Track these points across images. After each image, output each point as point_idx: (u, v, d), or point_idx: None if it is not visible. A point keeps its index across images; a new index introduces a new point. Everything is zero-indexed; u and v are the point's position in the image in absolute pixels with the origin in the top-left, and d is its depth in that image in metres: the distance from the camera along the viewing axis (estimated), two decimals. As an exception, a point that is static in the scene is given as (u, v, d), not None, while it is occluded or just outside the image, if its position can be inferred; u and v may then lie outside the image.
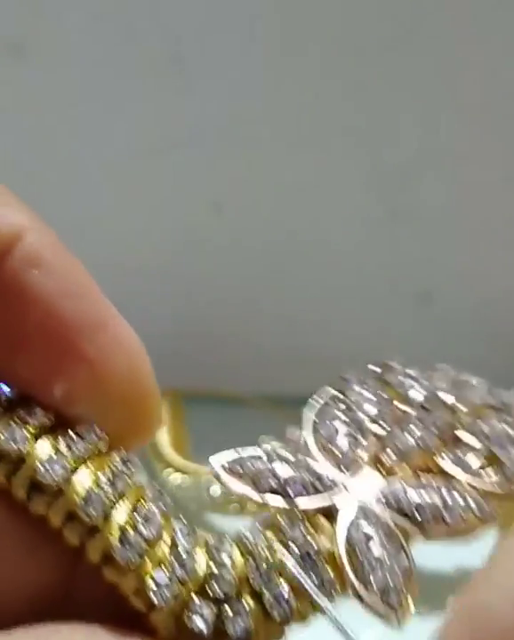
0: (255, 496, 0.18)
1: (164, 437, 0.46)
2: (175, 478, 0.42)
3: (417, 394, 0.21)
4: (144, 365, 0.18)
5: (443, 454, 0.19)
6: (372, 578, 0.17)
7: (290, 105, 0.52)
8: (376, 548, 0.17)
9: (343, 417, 0.20)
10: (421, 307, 0.55)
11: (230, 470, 0.18)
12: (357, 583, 0.17)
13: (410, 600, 0.17)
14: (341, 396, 0.20)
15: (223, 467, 0.18)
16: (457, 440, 0.20)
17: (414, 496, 0.18)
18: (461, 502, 0.18)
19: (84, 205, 0.54)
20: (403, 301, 0.55)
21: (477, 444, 0.19)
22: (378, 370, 0.22)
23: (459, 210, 0.53)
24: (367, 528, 0.18)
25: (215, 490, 0.33)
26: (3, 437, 0.17)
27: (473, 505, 0.18)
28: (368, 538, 0.17)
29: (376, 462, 0.19)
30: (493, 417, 0.20)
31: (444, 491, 0.18)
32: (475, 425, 0.20)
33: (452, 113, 0.52)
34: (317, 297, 0.55)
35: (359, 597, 0.17)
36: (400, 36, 0.50)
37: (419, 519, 0.18)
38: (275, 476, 0.18)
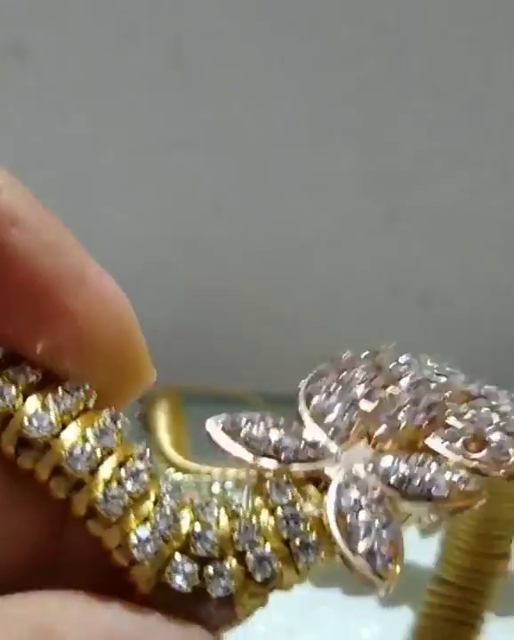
0: (247, 457, 0.18)
1: (164, 437, 0.46)
2: (175, 477, 0.42)
3: (407, 378, 0.21)
4: (128, 318, 0.18)
5: (431, 434, 0.20)
6: (359, 544, 0.17)
7: (290, 106, 0.52)
8: (364, 515, 0.18)
9: (335, 392, 0.20)
10: (421, 307, 0.55)
11: (224, 430, 0.19)
12: (344, 547, 0.17)
13: (397, 568, 0.17)
14: (334, 375, 0.21)
15: (217, 425, 0.19)
16: (445, 423, 0.20)
17: (403, 468, 0.18)
18: (449, 477, 0.18)
19: (84, 205, 0.54)
20: (402, 302, 0.55)
21: (465, 427, 0.20)
22: (369, 354, 0.22)
23: (458, 211, 0.53)
24: (357, 495, 0.18)
25: (216, 488, 0.33)
26: None
27: (459, 481, 0.18)
28: (357, 504, 0.18)
29: (366, 437, 0.19)
30: (482, 403, 0.21)
31: (433, 465, 0.19)
32: (463, 408, 0.20)
33: (451, 114, 0.52)
34: (317, 297, 0.55)
35: (347, 561, 0.17)
36: (400, 37, 0.50)
37: (407, 491, 0.18)
38: (268, 440, 0.19)
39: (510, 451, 0.19)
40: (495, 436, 0.20)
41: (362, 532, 0.17)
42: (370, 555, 0.17)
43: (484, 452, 0.19)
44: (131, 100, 0.51)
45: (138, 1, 0.49)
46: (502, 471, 0.19)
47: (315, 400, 0.20)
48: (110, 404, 0.18)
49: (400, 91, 0.51)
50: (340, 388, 0.20)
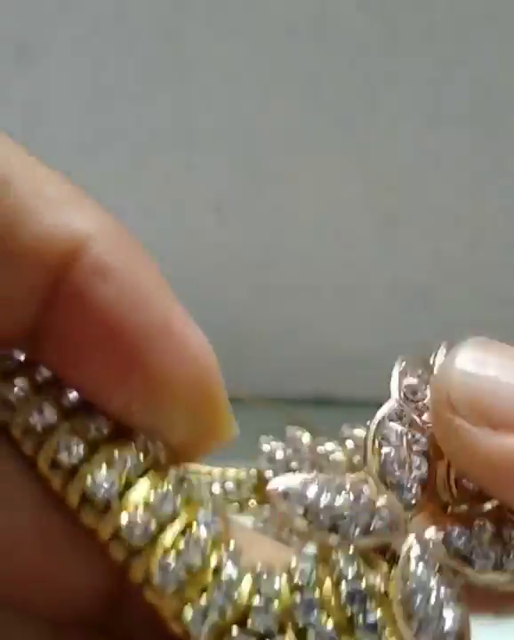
0: (314, 533, 0.17)
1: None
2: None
3: None
4: (211, 373, 0.17)
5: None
6: (424, 631, 0.16)
7: (290, 107, 0.52)
8: (433, 600, 0.16)
9: (411, 443, 0.18)
10: (420, 308, 0.55)
11: (287, 497, 0.17)
12: (408, 634, 0.16)
13: None
14: (408, 413, 0.19)
15: (283, 493, 0.17)
16: None
17: (475, 542, 0.17)
18: None
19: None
20: (402, 302, 0.55)
21: None
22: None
23: (457, 213, 0.53)
24: (425, 575, 0.17)
25: (215, 489, 0.33)
26: (58, 446, 0.17)
27: None
28: (425, 587, 0.17)
29: (440, 498, 0.18)
30: None
31: (507, 537, 0.17)
32: None
33: (450, 117, 0.52)
34: (317, 298, 0.55)
35: None
36: (400, 40, 0.50)
37: (479, 568, 0.17)
38: (333, 509, 0.17)
39: None
40: None
41: (429, 619, 0.16)
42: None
43: None
44: (131, 101, 0.51)
45: (140, 3, 0.49)
46: None
47: (386, 451, 0.18)
48: (185, 459, 0.18)
49: (400, 94, 0.51)
50: (415, 437, 0.18)
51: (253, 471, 0.30)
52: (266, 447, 0.30)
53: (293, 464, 0.30)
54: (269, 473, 0.30)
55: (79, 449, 0.17)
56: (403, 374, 0.19)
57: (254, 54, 0.50)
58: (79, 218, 0.17)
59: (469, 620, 0.17)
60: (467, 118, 0.52)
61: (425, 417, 0.18)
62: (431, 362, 0.20)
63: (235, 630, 0.16)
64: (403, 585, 0.17)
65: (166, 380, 0.17)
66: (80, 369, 0.17)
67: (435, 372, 0.19)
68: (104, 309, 0.16)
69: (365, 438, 0.18)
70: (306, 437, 0.30)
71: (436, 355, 0.20)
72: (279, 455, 0.30)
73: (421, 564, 0.17)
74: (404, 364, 0.19)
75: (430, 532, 0.17)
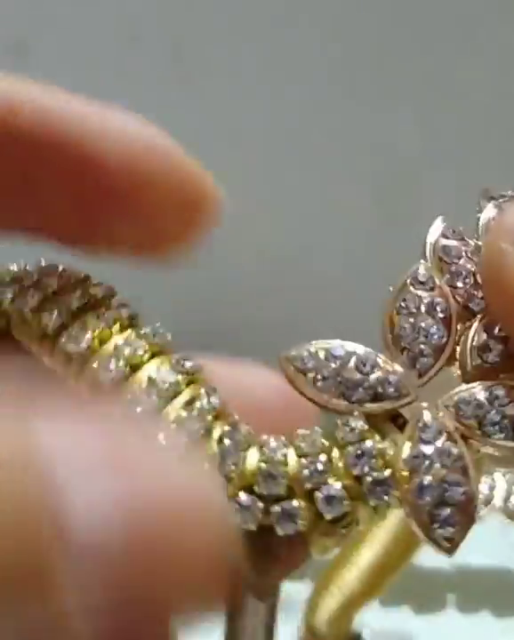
0: (319, 399, 0.17)
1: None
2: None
3: None
4: (170, 145, 0.18)
5: None
6: (428, 497, 0.16)
7: (290, 107, 0.52)
8: (439, 466, 0.16)
9: (429, 308, 0.17)
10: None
11: (296, 368, 0.17)
12: (412, 500, 0.16)
13: (464, 530, 0.16)
14: (432, 277, 0.18)
15: (293, 364, 0.17)
16: None
17: (489, 408, 0.16)
18: None
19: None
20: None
21: None
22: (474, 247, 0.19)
23: (458, 213, 0.53)
24: (432, 446, 0.16)
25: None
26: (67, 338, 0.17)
27: None
28: (433, 452, 0.16)
29: (460, 361, 0.17)
30: None
31: None
32: None
33: (451, 116, 0.52)
34: (317, 297, 0.55)
35: (415, 516, 0.16)
36: (400, 38, 0.50)
37: (492, 433, 0.16)
38: (341, 376, 0.17)
39: None
40: None
41: (433, 487, 0.16)
42: (442, 517, 0.16)
43: None
44: (131, 100, 0.51)
45: (139, 1, 0.49)
46: None
47: (402, 318, 0.18)
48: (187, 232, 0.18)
49: (400, 93, 0.51)
50: (434, 301, 0.18)
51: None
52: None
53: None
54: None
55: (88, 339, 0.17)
56: (442, 235, 0.19)
57: (255, 54, 0.50)
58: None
59: (476, 497, 0.16)
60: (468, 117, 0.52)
61: (458, 282, 0.18)
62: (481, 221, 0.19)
63: (242, 495, 0.16)
64: (410, 450, 0.17)
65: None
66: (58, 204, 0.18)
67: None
68: (48, 125, 0.18)
69: (385, 304, 0.18)
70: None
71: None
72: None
73: (429, 430, 0.17)
74: (443, 224, 0.19)
75: (442, 399, 0.17)
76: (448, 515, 0.16)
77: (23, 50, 0.49)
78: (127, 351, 0.17)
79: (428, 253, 0.18)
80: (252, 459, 0.17)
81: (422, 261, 0.18)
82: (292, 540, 0.17)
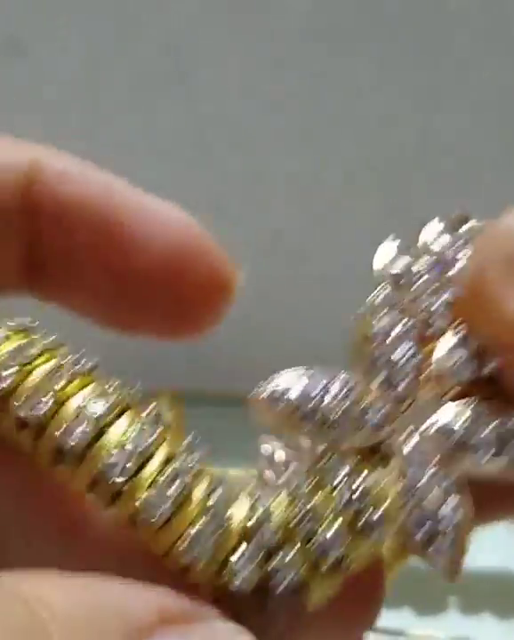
0: (302, 442, 0.17)
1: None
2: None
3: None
4: (194, 227, 0.19)
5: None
6: (423, 527, 0.16)
7: (290, 106, 0.52)
8: (431, 496, 0.16)
9: (400, 325, 0.17)
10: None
11: (271, 409, 0.17)
12: (413, 537, 0.16)
13: (463, 551, 0.16)
14: (396, 298, 0.18)
15: (263, 399, 0.17)
16: None
17: (473, 429, 0.16)
18: None
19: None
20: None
21: None
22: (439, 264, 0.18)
23: (458, 209, 0.53)
24: (421, 471, 0.16)
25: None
26: (25, 402, 0.16)
27: None
28: (421, 483, 0.16)
29: (433, 388, 0.17)
30: None
31: (504, 422, 0.16)
32: None
33: (452, 112, 0.52)
34: (317, 297, 0.55)
35: (411, 548, 0.16)
36: (401, 36, 0.50)
37: (477, 453, 0.16)
38: (318, 411, 0.16)
39: None
40: None
41: (427, 516, 0.16)
42: (433, 541, 0.16)
43: None
44: (131, 100, 0.51)
45: (139, 1, 0.49)
46: None
47: (375, 342, 0.17)
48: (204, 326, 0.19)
49: (401, 91, 0.51)
50: (404, 319, 0.17)
51: (254, 471, 0.30)
52: (266, 448, 0.30)
53: (294, 464, 0.30)
54: (268, 473, 0.30)
55: (47, 401, 0.16)
56: (395, 256, 0.18)
57: (255, 53, 0.50)
58: (21, 150, 0.19)
59: (471, 509, 0.16)
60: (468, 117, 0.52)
61: (418, 298, 0.17)
62: (425, 238, 0.18)
63: (234, 557, 0.16)
64: (400, 481, 0.16)
65: (155, 250, 0.18)
66: (80, 277, 0.19)
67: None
68: (78, 204, 0.19)
69: (351, 331, 0.17)
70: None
71: (428, 229, 0.19)
72: (279, 455, 0.30)
73: (416, 458, 0.16)
74: (393, 243, 0.19)
75: (423, 427, 0.16)
76: (445, 544, 0.16)
77: (22, 50, 0.49)
78: (91, 412, 0.16)
79: (385, 277, 0.18)
80: (241, 513, 0.16)
81: (382, 286, 0.18)
82: (287, 599, 0.16)
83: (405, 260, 0.18)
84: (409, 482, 0.16)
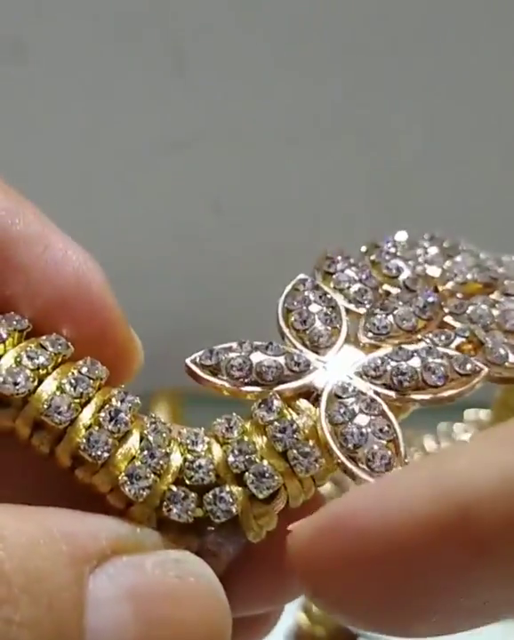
0: (230, 387, 0.18)
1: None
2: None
3: (404, 274, 0.20)
4: (98, 283, 0.19)
5: (425, 335, 0.19)
6: (358, 451, 0.17)
7: (290, 106, 0.52)
8: (359, 420, 0.17)
9: (317, 299, 0.19)
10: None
11: (203, 366, 0.18)
12: (343, 456, 0.17)
13: (398, 467, 0.17)
14: (315, 281, 0.20)
15: (196, 363, 0.18)
16: (442, 323, 0.19)
17: (393, 363, 0.18)
18: (443, 361, 0.18)
19: (84, 205, 0.54)
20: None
21: (461, 328, 0.19)
22: (366, 249, 0.21)
23: (459, 210, 0.53)
24: (348, 403, 0.17)
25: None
26: None
27: (456, 363, 0.18)
28: (350, 411, 0.17)
29: (355, 342, 0.19)
30: (480, 296, 0.20)
31: (424, 354, 0.18)
32: (460, 307, 0.19)
33: (452, 114, 0.52)
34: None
35: (347, 470, 0.17)
36: (401, 37, 0.50)
37: (400, 385, 0.18)
38: (249, 364, 0.18)
39: (504, 353, 0.18)
40: (491, 337, 0.19)
41: (357, 439, 0.17)
42: (370, 460, 0.17)
43: (478, 355, 0.18)
44: (131, 100, 0.51)
45: (139, 1, 0.49)
46: (495, 374, 0.18)
47: (294, 312, 0.19)
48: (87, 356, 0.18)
49: (401, 91, 0.51)
50: (319, 291, 0.20)
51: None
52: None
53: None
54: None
55: None
56: (326, 257, 0.21)
57: (255, 53, 0.50)
58: None
59: (401, 439, 0.17)
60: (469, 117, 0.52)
61: (344, 286, 0.20)
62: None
63: (173, 488, 0.17)
64: (327, 418, 0.17)
65: (44, 282, 0.18)
66: None
67: None
68: None
69: (278, 305, 0.20)
70: None
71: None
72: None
73: (341, 397, 0.17)
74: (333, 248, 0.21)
75: (348, 369, 0.18)
76: (375, 451, 0.17)
77: (22, 50, 0.49)
78: (30, 364, 0.17)
79: (314, 271, 0.21)
80: (177, 453, 0.17)
81: (302, 274, 0.20)
82: (228, 534, 0.17)
83: (338, 258, 0.21)
84: (337, 410, 0.17)
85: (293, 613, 0.42)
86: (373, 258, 0.21)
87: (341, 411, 0.17)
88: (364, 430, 0.17)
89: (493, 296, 0.20)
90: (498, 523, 0.13)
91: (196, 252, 0.55)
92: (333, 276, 0.20)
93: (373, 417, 0.17)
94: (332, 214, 0.54)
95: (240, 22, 0.49)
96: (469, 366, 0.18)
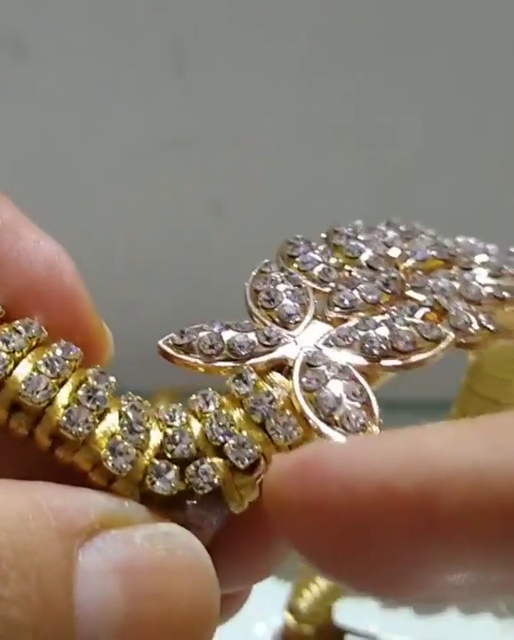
0: (204, 364, 0.18)
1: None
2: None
3: (365, 255, 0.21)
4: (69, 273, 0.19)
5: (389, 308, 0.19)
6: (333, 414, 0.17)
7: (290, 105, 0.52)
8: (332, 386, 0.17)
9: (284, 279, 0.20)
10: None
11: (176, 345, 0.18)
12: (318, 420, 0.17)
13: (373, 427, 0.17)
14: (281, 263, 0.21)
15: (168, 343, 0.18)
16: (404, 297, 0.20)
17: (361, 332, 0.18)
18: (410, 329, 0.18)
19: (84, 205, 0.54)
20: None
21: (425, 299, 0.19)
22: (326, 235, 0.22)
23: (458, 210, 0.53)
24: (320, 370, 0.18)
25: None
26: None
27: (422, 329, 0.18)
28: (323, 377, 0.17)
29: (323, 318, 0.19)
30: (441, 271, 0.21)
31: (391, 323, 0.19)
32: (422, 280, 0.20)
33: (452, 114, 0.52)
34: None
35: (322, 434, 0.17)
36: (401, 37, 0.50)
37: (370, 353, 0.18)
38: (220, 341, 0.18)
39: (468, 319, 0.19)
40: (454, 306, 0.19)
41: (332, 403, 0.17)
42: (345, 422, 0.17)
43: (443, 323, 0.19)
44: (131, 99, 0.51)
45: (139, 0, 0.49)
46: (461, 339, 0.19)
47: (262, 292, 0.20)
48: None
49: (401, 91, 0.51)
50: (285, 272, 0.20)
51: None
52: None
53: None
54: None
55: None
56: (287, 242, 0.22)
57: (255, 53, 0.50)
58: None
59: (374, 401, 0.17)
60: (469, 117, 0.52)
61: (308, 268, 0.21)
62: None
63: (155, 461, 0.17)
64: (300, 385, 0.18)
65: (18, 272, 0.19)
66: None
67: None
68: None
69: (246, 288, 0.20)
70: None
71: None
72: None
73: (312, 365, 0.18)
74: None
75: (317, 340, 0.19)
76: (349, 412, 0.17)
77: (21, 50, 0.49)
78: (5, 347, 0.18)
79: (276, 256, 0.21)
80: (156, 429, 0.17)
81: (266, 259, 0.21)
82: (211, 505, 0.17)
83: (300, 243, 0.22)
84: (309, 384, 0.18)
85: (279, 614, 0.42)
86: (333, 241, 0.21)
87: (314, 378, 0.18)
88: (337, 394, 0.17)
89: (453, 271, 0.21)
90: (454, 508, 0.13)
91: (196, 252, 0.55)
92: (297, 259, 0.21)
93: (345, 382, 0.18)
94: (332, 214, 0.54)
95: (240, 22, 0.49)
96: (435, 332, 0.18)
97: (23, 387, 0.17)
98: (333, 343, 0.18)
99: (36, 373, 0.17)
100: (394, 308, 0.19)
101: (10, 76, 0.50)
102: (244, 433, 0.17)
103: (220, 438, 0.17)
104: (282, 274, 0.20)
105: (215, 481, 0.17)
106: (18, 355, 0.17)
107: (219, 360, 0.18)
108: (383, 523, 0.14)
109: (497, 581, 0.14)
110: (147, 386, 0.49)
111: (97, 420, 0.17)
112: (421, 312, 0.19)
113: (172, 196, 0.54)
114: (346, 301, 0.19)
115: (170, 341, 0.19)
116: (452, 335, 0.18)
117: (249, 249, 0.56)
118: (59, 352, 0.18)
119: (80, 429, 0.17)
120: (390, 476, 0.13)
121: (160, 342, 0.19)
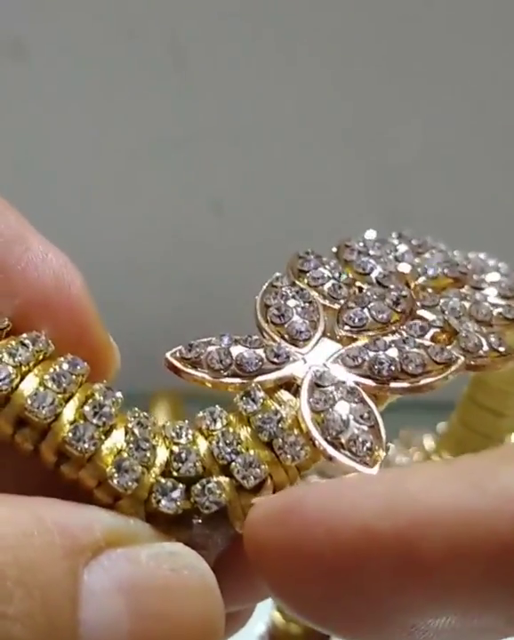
0: (211, 379, 0.18)
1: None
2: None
3: (376, 271, 0.21)
4: (76, 285, 0.19)
5: (400, 327, 0.19)
6: (340, 437, 0.17)
7: (290, 105, 0.52)
8: (340, 408, 0.17)
9: (294, 295, 0.20)
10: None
11: (183, 359, 0.18)
12: (324, 442, 0.17)
13: (380, 452, 0.17)
14: (291, 278, 0.21)
15: (176, 357, 0.18)
16: (416, 315, 0.20)
17: (371, 353, 0.18)
18: (420, 351, 0.18)
19: (84, 204, 0.54)
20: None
21: (434, 319, 0.19)
22: (337, 249, 0.22)
23: (458, 210, 0.53)
24: (329, 391, 0.17)
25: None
26: None
27: (433, 352, 0.18)
28: (331, 399, 0.17)
29: (332, 336, 0.19)
30: (452, 290, 0.21)
31: (401, 344, 0.18)
32: (433, 299, 0.20)
33: (452, 115, 0.52)
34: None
35: (330, 457, 0.17)
36: (402, 36, 0.50)
37: (379, 374, 0.18)
38: (229, 356, 0.18)
39: (478, 341, 0.19)
40: (465, 327, 0.19)
41: (339, 426, 0.17)
42: (351, 445, 0.17)
43: (453, 345, 0.19)
44: (131, 99, 0.51)
45: (139, 0, 0.49)
46: (471, 362, 0.19)
47: (272, 308, 0.19)
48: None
49: (401, 91, 0.51)
50: (296, 288, 0.20)
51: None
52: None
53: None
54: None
55: None
56: (298, 256, 0.21)
57: (255, 53, 0.50)
58: None
59: (381, 424, 0.17)
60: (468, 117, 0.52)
61: (318, 284, 0.20)
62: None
63: (161, 480, 0.17)
64: (308, 406, 0.17)
65: (26, 284, 0.18)
66: None
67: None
68: None
69: (255, 302, 0.20)
70: None
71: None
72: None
73: (321, 385, 0.18)
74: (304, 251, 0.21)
75: (326, 359, 0.18)
76: (357, 436, 0.17)
77: (21, 50, 0.49)
78: (11, 361, 0.17)
79: (287, 270, 0.21)
80: (162, 446, 0.17)
81: (277, 273, 0.21)
82: (217, 524, 0.17)
83: (310, 257, 0.21)
84: (316, 405, 0.17)
85: (266, 615, 0.42)
86: (344, 256, 0.21)
87: (322, 398, 0.17)
88: (345, 417, 0.17)
89: (464, 290, 0.21)
90: (437, 551, 0.13)
91: (196, 252, 0.55)
92: (307, 274, 0.21)
93: (353, 404, 0.17)
94: (331, 214, 0.54)
95: (240, 21, 0.49)
96: (445, 355, 0.18)
97: (29, 402, 0.17)
98: (342, 363, 0.18)
99: (42, 388, 0.17)
100: (404, 327, 0.19)
101: (10, 76, 0.50)
102: (252, 452, 0.17)
103: (227, 457, 0.17)
104: (293, 288, 0.20)
105: (221, 500, 0.17)
106: (24, 368, 0.17)
107: (226, 376, 0.18)
108: (366, 567, 0.13)
109: (481, 626, 0.14)
110: (147, 386, 0.49)
111: (103, 437, 0.17)
112: (431, 332, 0.19)
113: (173, 195, 0.54)
114: (356, 320, 0.19)
115: (177, 354, 0.18)
116: (462, 358, 0.18)
117: (249, 249, 0.56)
118: (65, 366, 0.17)
119: (86, 446, 0.17)
120: (372, 520, 0.13)
121: (168, 355, 0.18)
